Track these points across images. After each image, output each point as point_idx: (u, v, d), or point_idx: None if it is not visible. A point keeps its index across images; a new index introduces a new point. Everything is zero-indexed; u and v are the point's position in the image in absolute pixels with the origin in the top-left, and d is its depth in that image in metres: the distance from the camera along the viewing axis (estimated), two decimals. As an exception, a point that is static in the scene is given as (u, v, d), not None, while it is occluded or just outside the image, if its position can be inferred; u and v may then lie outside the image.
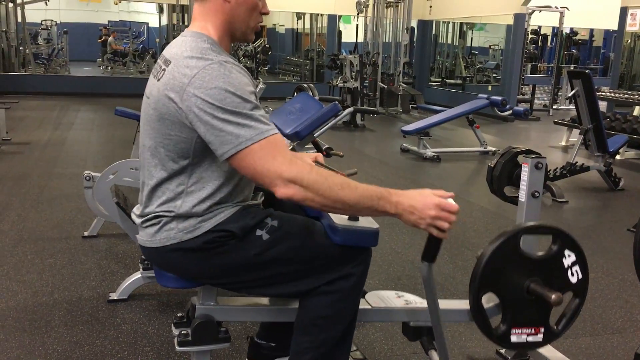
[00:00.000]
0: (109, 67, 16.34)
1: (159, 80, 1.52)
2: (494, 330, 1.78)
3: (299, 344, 1.61)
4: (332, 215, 1.64)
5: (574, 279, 1.80)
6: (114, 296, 2.82)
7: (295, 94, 6.53)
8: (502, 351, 2.44)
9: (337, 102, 4.03)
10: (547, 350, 2.20)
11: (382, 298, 1.90)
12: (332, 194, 1.42)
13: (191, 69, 1.44)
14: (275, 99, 10.74)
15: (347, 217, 1.64)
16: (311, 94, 6.00)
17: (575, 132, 6.78)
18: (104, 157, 6.02)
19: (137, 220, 1.63)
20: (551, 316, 1.78)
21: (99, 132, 7.78)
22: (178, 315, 1.74)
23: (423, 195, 1.48)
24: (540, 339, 1.82)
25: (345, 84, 10.25)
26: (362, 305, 1.82)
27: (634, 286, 3.21)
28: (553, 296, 1.68)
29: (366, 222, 1.66)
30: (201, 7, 1.59)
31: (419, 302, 1.88)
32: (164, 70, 1.51)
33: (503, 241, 1.71)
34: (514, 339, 1.79)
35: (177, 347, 1.66)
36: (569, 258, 1.79)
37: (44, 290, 2.91)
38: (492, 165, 2.37)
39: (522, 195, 2.16)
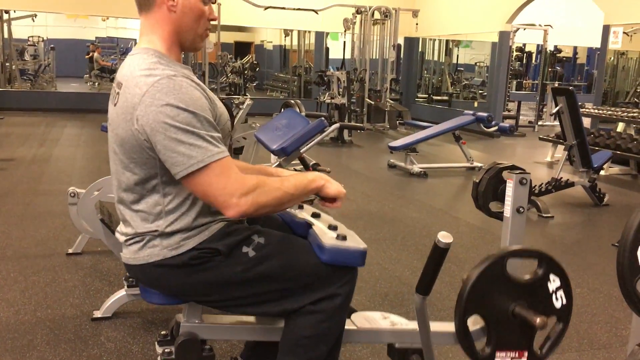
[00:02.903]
0: (96, 83, 16.30)
1: (115, 105, 1.52)
2: (479, 353, 1.78)
3: None
4: (319, 233, 1.64)
5: (558, 304, 1.80)
6: (98, 314, 2.78)
7: (282, 110, 6.54)
8: (489, 367, 2.43)
9: (323, 118, 4.05)
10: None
11: (367, 319, 1.88)
12: (278, 194, 1.49)
13: (140, 88, 1.43)
14: (262, 115, 10.76)
15: (335, 236, 1.63)
16: (298, 110, 6.01)
17: (560, 148, 6.85)
18: (89, 173, 5.98)
19: (121, 239, 1.62)
20: (536, 340, 1.79)
21: (85, 149, 7.73)
22: (162, 333, 1.72)
23: (322, 175, 1.65)
24: None
25: (333, 100, 10.28)
26: (348, 325, 1.81)
27: (619, 301, 3.22)
28: (538, 320, 1.68)
29: (354, 242, 1.65)
30: (147, 20, 1.57)
31: (405, 324, 1.87)
32: (118, 93, 1.51)
33: (488, 265, 1.71)
34: None
35: (160, 366, 1.64)
36: (553, 283, 1.79)
37: (27, 309, 2.86)
38: (477, 181, 2.38)
39: (507, 210, 2.17)
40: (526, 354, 1.81)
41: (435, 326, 1.91)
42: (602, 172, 7.02)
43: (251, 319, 1.74)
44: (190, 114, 1.40)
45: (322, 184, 1.60)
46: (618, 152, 6.85)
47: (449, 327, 1.83)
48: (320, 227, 1.73)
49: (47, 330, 2.64)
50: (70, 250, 3.64)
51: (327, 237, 1.64)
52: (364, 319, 1.88)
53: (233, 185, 1.41)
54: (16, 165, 6.42)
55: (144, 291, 1.68)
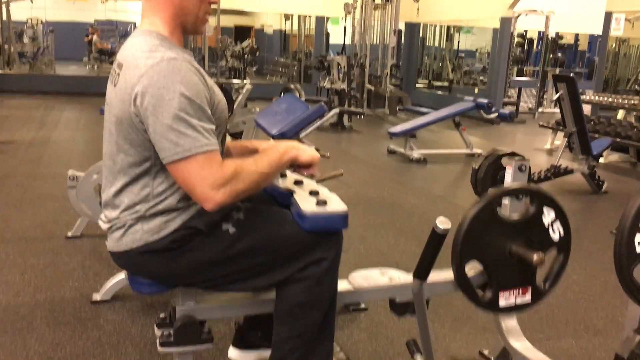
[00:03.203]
0: (95, 66, 16.22)
1: (115, 85, 1.51)
2: (481, 298, 1.78)
3: (278, 334, 1.61)
4: (299, 201, 1.64)
5: (555, 236, 1.80)
6: (97, 297, 2.80)
7: (282, 94, 6.53)
8: (486, 352, 2.46)
9: (323, 103, 4.04)
10: (529, 351, 2.21)
11: (365, 277, 1.88)
12: (254, 177, 1.48)
13: (139, 69, 1.43)
14: (262, 100, 10.72)
15: (315, 202, 1.62)
16: (298, 94, 6.00)
17: (560, 135, 6.84)
18: (88, 156, 5.97)
19: (104, 226, 1.62)
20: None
21: (84, 132, 7.72)
22: (161, 316, 1.73)
23: (293, 143, 1.66)
24: (529, 300, 1.82)
25: (333, 86, 10.25)
26: (345, 287, 1.81)
27: (616, 288, 3.22)
28: (534, 256, 1.69)
29: (335, 206, 1.64)
30: (148, 2, 1.56)
31: (403, 277, 1.86)
32: (118, 74, 1.51)
33: (481, 208, 1.70)
34: (502, 303, 1.79)
35: (159, 348, 1.65)
36: (548, 216, 1.79)
37: (26, 291, 2.88)
38: (476, 168, 2.39)
39: (505, 211, 2.17)
40: (530, 290, 1.81)
41: (433, 276, 1.90)
42: (601, 160, 7.01)
43: (245, 294, 1.74)
44: (185, 99, 1.40)
45: (295, 154, 1.60)
46: (618, 139, 6.84)
47: (448, 275, 1.82)
48: (301, 195, 1.71)
49: (46, 313, 2.66)
50: (69, 233, 3.65)
51: (307, 205, 1.63)
52: (362, 278, 1.87)
53: (212, 178, 1.41)
54: (15, 148, 6.41)
55: (132, 282, 1.67)
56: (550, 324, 2.79)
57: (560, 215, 1.81)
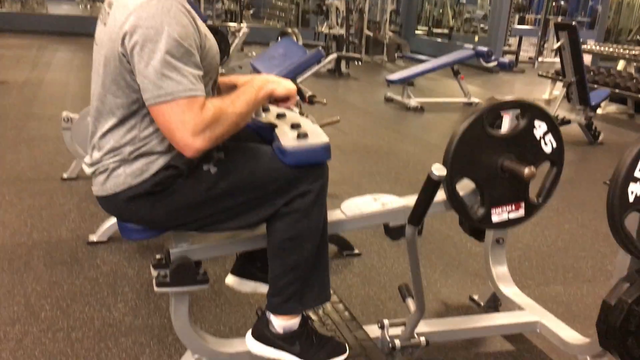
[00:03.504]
0: (88, 6, 15.85)
1: (105, 24, 1.48)
2: (474, 214, 1.79)
3: (273, 270, 1.64)
4: (280, 136, 1.62)
5: (548, 148, 1.80)
6: (93, 238, 2.82)
7: (279, 38, 6.41)
8: (475, 297, 2.51)
9: (320, 48, 3.97)
10: (518, 297, 2.26)
11: (358, 205, 1.86)
12: (233, 118, 1.46)
13: (128, 8, 1.39)
14: (259, 44, 10.55)
15: (296, 136, 1.61)
16: (295, 39, 5.89)
17: (559, 85, 6.78)
18: (82, 98, 5.90)
19: (88, 170, 1.61)
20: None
21: (77, 73, 7.61)
22: (157, 257, 1.74)
23: (268, 77, 1.64)
24: (522, 214, 1.83)
25: (331, 31, 10.09)
26: (338, 216, 1.81)
27: (606, 237, 3.28)
28: (525, 170, 1.69)
29: (315, 138, 1.61)
30: None
31: (396, 201, 1.86)
32: (108, 13, 1.47)
33: (470, 123, 1.68)
34: (495, 218, 1.80)
35: (155, 288, 1.67)
36: (540, 129, 1.78)
37: (23, 231, 2.90)
38: (473, 115, 2.37)
39: (504, 129, 2.16)
40: (523, 204, 1.82)
41: None
42: (599, 111, 6.98)
43: (237, 232, 1.73)
44: (173, 41, 1.36)
45: (270, 88, 1.58)
46: (617, 90, 6.80)
47: (440, 195, 1.80)
48: (282, 129, 1.69)
49: (43, 253, 2.69)
50: (65, 175, 3.65)
51: (288, 138, 1.60)
52: (354, 206, 1.86)
53: (192, 123, 1.38)
54: (8, 89, 6.33)
55: (122, 228, 1.66)
56: (540, 271, 2.84)
57: (552, 128, 1.79)
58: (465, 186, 1.82)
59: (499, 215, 1.80)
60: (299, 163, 1.57)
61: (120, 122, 1.50)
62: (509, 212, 1.81)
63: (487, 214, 1.79)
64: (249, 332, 1.72)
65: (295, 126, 1.68)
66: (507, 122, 2.13)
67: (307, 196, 1.58)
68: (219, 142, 1.46)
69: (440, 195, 1.79)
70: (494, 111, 1.78)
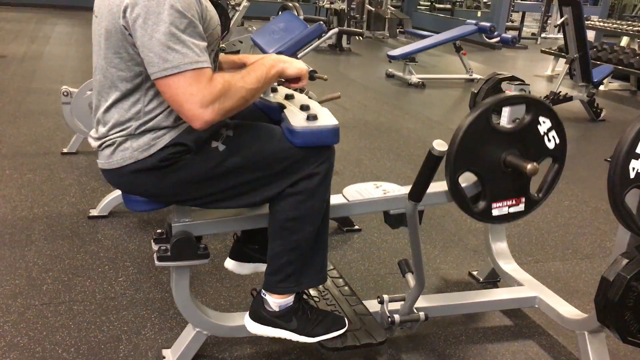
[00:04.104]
0: (87, -21, 15.66)
1: None
2: (474, 207, 1.81)
3: (273, 249, 1.64)
4: (289, 117, 1.62)
5: (551, 145, 1.81)
6: (94, 212, 2.83)
7: (280, 13, 6.34)
8: (475, 273, 2.52)
9: (322, 23, 3.93)
10: (516, 272, 2.27)
11: (359, 191, 1.88)
12: (242, 93, 1.45)
13: None
14: (259, 19, 10.46)
15: (305, 117, 1.61)
16: (296, 13, 5.83)
17: (562, 61, 6.74)
18: (82, 72, 5.87)
19: (94, 144, 1.61)
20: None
21: (77, 47, 7.55)
22: (157, 231, 1.75)
23: (280, 56, 1.63)
24: (522, 209, 1.85)
25: (332, 5, 9.97)
26: (340, 200, 1.83)
27: (606, 214, 3.29)
28: (528, 166, 1.70)
29: (325, 120, 1.61)
30: None
31: (397, 190, 1.87)
32: None
33: (475, 117, 1.69)
34: (495, 212, 1.81)
35: (156, 262, 1.68)
36: (544, 125, 1.79)
37: (24, 205, 2.90)
38: (475, 92, 2.36)
39: (504, 121, 2.15)
40: (523, 199, 1.84)
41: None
42: (601, 87, 6.95)
43: (240, 210, 1.75)
44: (176, 12, 1.35)
45: (281, 67, 1.57)
46: (619, 67, 6.75)
47: (441, 186, 1.83)
48: (291, 110, 1.68)
49: (44, 227, 2.69)
50: (65, 150, 3.64)
51: (298, 119, 1.60)
52: (355, 192, 1.88)
53: (200, 94, 1.37)
54: (7, 63, 6.29)
55: (126, 200, 1.67)
56: (540, 248, 2.85)
57: (556, 124, 1.79)
58: (467, 179, 1.83)
59: (499, 209, 1.82)
60: (307, 144, 1.57)
61: (124, 96, 1.49)
62: (509, 207, 1.83)
63: (487, 208, 1.81)
64: (247, 315, 1.74)
65: (304, 108, 1.67)
66: (507, 110, 2.13)
67: (313, 178, 1.58)
68: (227, 115, 1.45)
69: (442, 186, 1.81)
70: (500, 105, 1.78)
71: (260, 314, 1.70)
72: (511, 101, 1.80)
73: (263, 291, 1.69)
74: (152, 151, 1.50)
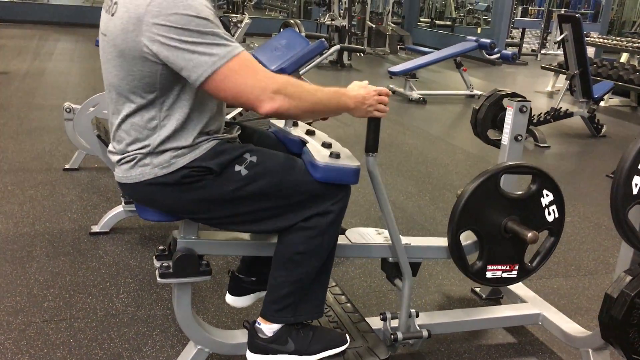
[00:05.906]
0: (90, -4, 15.78)
1: (113, 15, 1.46)
2: (470, 267, 1.84)
3: (276, 278, 1.64)
4: (312, 151, 1.63)
5: (550, 218, 1.86)
6: (95, 229, 2.82)
7: (282, 29, 6.38)
8: (477, 289, 2.51)
9: (324, 39, 3.95)
10: (520, 289, 2.26)
11: (362, 234, 1.92)
12: (311, 97, 1.48)
13: None
14: (261, 35, 10.53)
15: (328, 154, 1.63)
16: (298, 30, 5.86)
17: (562, 77, 6.77)
18: (84, 89, 5.90)
19: (113, 158, 1.61)
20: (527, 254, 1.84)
21: (79, 64, 7.59)
22: (160, 248, 1.74)
23: (361, 86, 1.65)
24: (515, 275, 1.89)
25: (333, 22, 10.03)
26: (343, 241, 1.85)
27: (608, 230, 3.28)
28: (529, 234, 1.73)
29: (347, 160, 1.65)
30: None
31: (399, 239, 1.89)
32: (116, 4, 1.44)
33: (484, 180, 1.74)
34: (489, 275, 1.86)
35: (158, 279, 1.67)
36: (546, 197, 1.84)
37: (25, 221, 2.90)
38: (476, 108, 2.37)
39: (505, 138, 2.16)
40: (517, 267, 1.87)
41: (428, 241, 1.95)
42: (602, 103, 6.97)
43: (246, 235, 1.77)
44: (202, 19, 1.37)
45: (351, 107, 1.61)
46: (620, 83, 6.77)
47: (442, 242, 1.88)
48: (314, 145, 1.71)
49: (45, 243, 2.69)
50: (67, 166, 3.65)
51: (321, 155, 1.63)
52: (358, 235, 1.91)
53: (264, 80, 1.40)
54: (10, 79, 6.32)
55: (139, 209, 1.68)
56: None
57: (558, 200, 1.87)
58: (467, 237, 1.88)
59: (492, 272, 1.88)
60: (328, 180, 1.59)
61: (140, 112, 1.49)
62: (502, 272, 1.88)
63: (482, 269, 1.86)
64: (247, 351, 1.72)
65: (326, 145, 1.71)
66: (510, 115, 2.14)
67: (327, 216, 1.59)
68: (292, 111, 1.46)
69: (443, 241, 1.87)
70: (509, 172, 1.83)
71: (257, 344, 1.68)
72: (521, 170, 1.84)
73: (258, 321, 1.68)
74: (172, 169, 1.50)
